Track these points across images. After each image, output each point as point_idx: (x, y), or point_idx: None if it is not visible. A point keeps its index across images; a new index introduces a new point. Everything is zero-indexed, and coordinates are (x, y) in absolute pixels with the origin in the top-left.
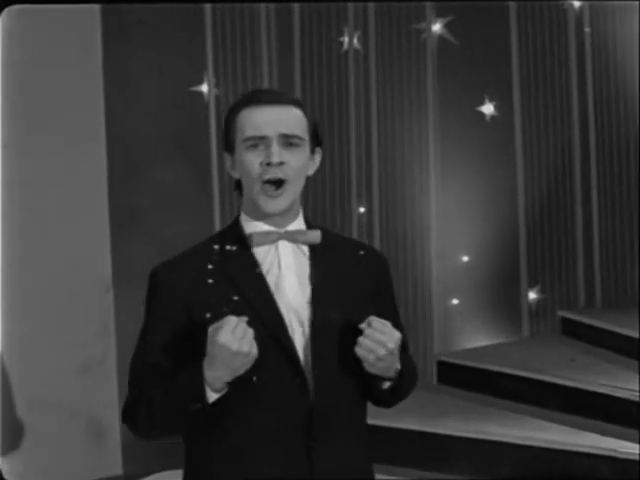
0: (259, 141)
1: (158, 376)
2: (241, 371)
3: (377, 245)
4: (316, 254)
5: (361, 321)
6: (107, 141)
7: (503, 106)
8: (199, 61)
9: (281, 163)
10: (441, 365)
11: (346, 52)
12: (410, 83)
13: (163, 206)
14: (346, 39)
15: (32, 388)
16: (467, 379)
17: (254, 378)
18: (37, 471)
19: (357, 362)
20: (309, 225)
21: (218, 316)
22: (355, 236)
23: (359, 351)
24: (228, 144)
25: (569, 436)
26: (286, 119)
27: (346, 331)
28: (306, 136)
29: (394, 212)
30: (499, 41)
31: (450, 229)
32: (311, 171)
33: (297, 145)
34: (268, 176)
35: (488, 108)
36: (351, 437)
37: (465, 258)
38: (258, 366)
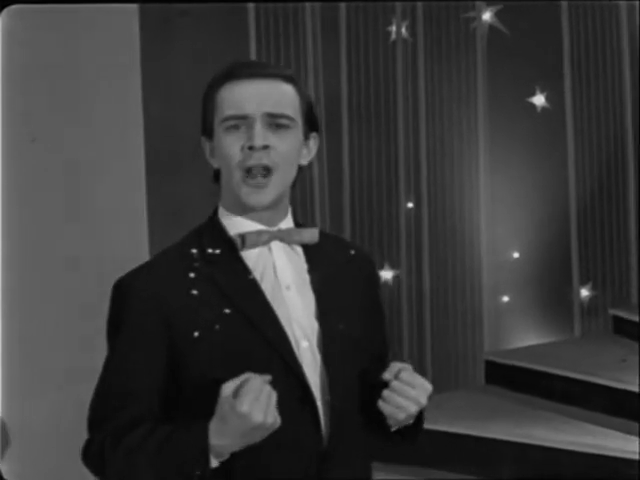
0: (240, 121)
1: (137, 414)
2: (255, 441)
3: (425, 241)
4: (311, 256)
5: (365, 333)
6: (145, 135)
7: (554, 97)
8: (241, 51)
9: (266, 147)
10: (489, 365)
11: (394, 42)
12: (459, 73)
13: (204, 202)
14: (394, 29)
15: (41, 387)
16: (516, 380)
17: None
18: (51, 474)
19: (367, 387)
20: (297, 222)
21: (208, 334)
22: (404, 232)
23: (386, 408)
24: (206, 127)
25: (618, 441)
26: (273, 95)
27: (354, 347)
28: (298, 117)
29: (443, 207)
30: (550, 30)
31: (500, 224)
32: (305, 160)
33: (286, 127)
34: (251, 162)
35: (539, 99)
36: (361, 463)
37: (515, 254)
38: None
